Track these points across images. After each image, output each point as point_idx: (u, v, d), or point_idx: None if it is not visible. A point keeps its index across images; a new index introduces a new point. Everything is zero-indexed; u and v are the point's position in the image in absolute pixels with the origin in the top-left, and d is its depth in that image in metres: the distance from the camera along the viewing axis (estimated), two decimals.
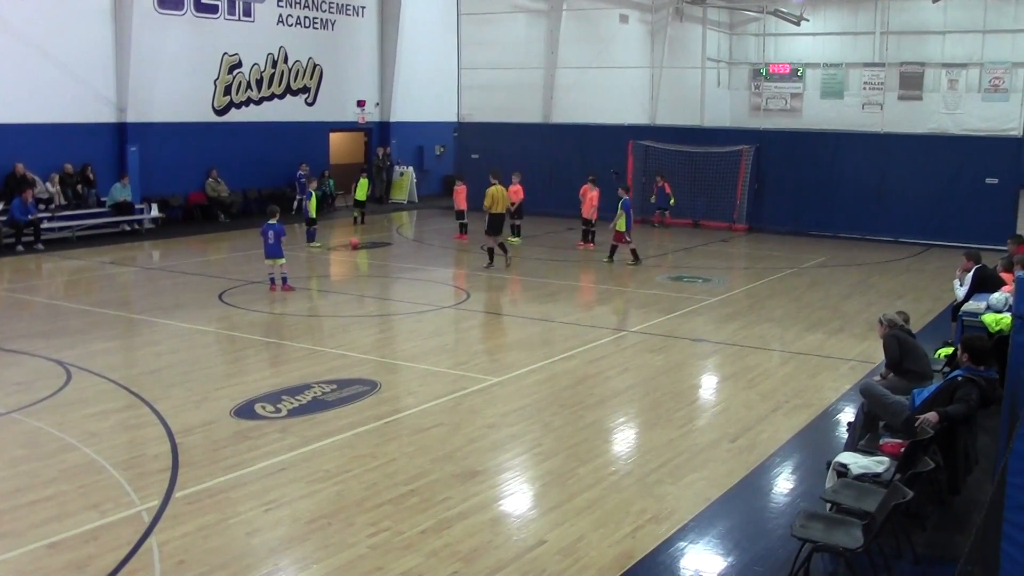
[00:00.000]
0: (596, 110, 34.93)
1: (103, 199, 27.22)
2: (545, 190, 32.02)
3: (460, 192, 27.58)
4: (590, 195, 26.12)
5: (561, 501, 9.42)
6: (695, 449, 10.97)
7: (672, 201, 30.37)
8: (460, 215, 27.61)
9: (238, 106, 31.57)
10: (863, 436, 9.92)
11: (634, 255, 23.42)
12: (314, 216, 25.68)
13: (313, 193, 25.69)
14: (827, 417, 12.33)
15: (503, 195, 23.70)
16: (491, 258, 22.93)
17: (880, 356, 14.34)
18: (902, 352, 10.98)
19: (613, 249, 23.64)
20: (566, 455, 10.68)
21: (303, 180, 30.66)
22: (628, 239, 23.34)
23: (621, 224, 23.21)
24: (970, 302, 13.79)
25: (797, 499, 9.61)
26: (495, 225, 23.15)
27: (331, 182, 34.12)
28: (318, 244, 25.51)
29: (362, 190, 30.22)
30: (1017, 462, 6.06)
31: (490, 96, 35.34)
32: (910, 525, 8.65)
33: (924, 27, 39.71)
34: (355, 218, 30.44)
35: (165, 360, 14.39)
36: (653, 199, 30.68)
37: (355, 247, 25.64)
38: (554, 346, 15.79)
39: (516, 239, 26.98)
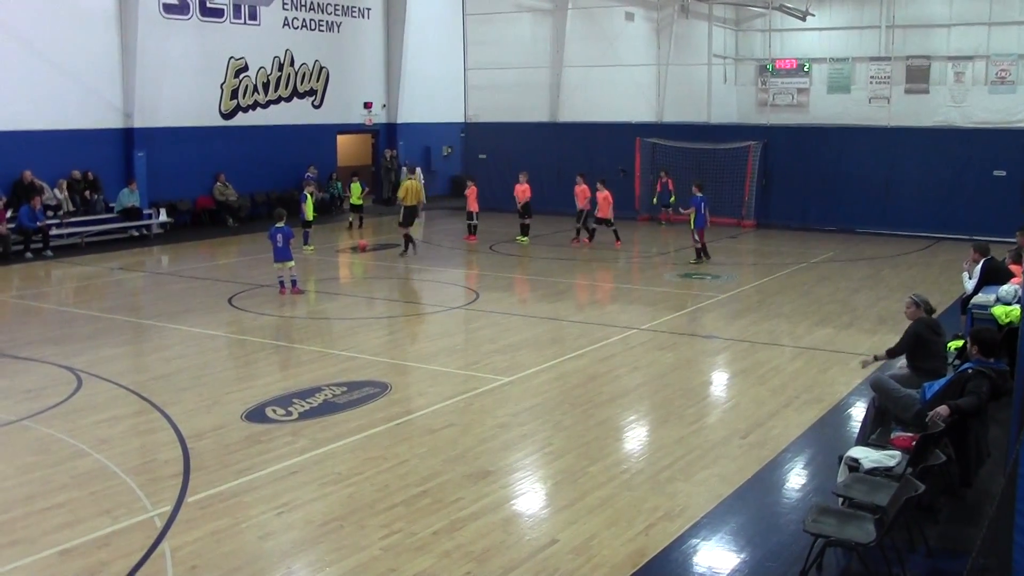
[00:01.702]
0: (603, 108, 34.95)
1: (111, 205, 27.29)
2: (553, 189, 32.01)
3: (471, 193, 27.48)
4: (602, 194, 26.07)
5: (573, 500, 9.41)
6: (706, 446, 10.96)
7: (673, 199, 30.36)
8: (470, 216, 27.55)
9: (245, 110, 31.61)
10: (874, 430, 9.91)
11: (698, 253, 23.43)
12: (310, 219, 25.65)
13: (309, 196, 25.64)
14: (838, 412, 12.31)
15: (416, 188, 25.45)
16: (406, 246, 24.83)
17: None
18: (913, 349, 10.95)
19: (702, 249, 23.48)
20: (577, 454, 10.68)
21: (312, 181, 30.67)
22: (696, 237, 23.28)
23: (692, 221, 23.15)
24: (979, 295, 13.76)
25: (809, 494, 9.59)
26: (408, 216, 25.14)
27: (339, 184, 34.14)
28: (311, 247, 25.45)
29: (356, 194, 29.90)
30: None
31: (497, 96, 35.36)
32: (922, 518, 8.63)
33: (930, 20, 39.59)
34: (350, 223, 30.00)
35: (175, 365, 14.42)
36: (655, 200, 30.69)
37: (364, 249, 25.64)
38: (564, 345, 15.78)
39: (524, 238, 26.99)
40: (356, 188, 29.92)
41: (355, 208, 30.19)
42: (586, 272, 22.95)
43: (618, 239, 26.17)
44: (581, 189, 26.76)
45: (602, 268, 23.56)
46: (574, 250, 25.70)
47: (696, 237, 23.30)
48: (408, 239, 24.81)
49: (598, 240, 26.43)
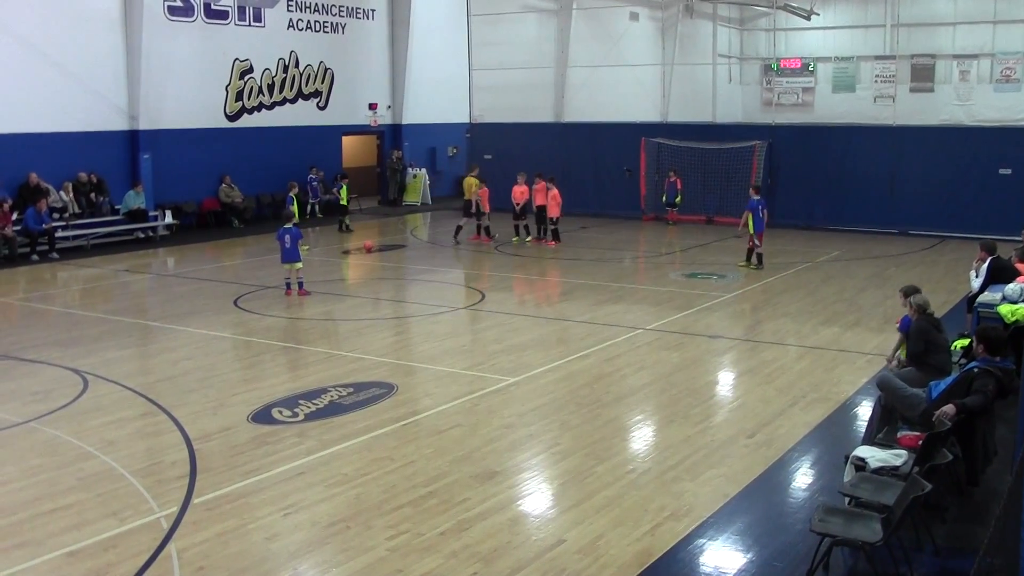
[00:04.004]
0: (608, 108, 34.92)
1: (117, 207, 27.33)
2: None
3: (483, 194, 27.23)
4: (552, 193, 26.12)
5: (580, 500, 9.41)
6: (713, 445, 10.96)
7: (679, 198, 30.28)
8: (480, 216, 27.34)
9: (250, 111, 31.63)
10: (881, 429, 9.89)
11: (752, 257, 22.77)
12: (297, 220, 25.62)
13: (294, 198, 25.72)
14: (844, 411, 12.30)
15: (466, 185, 26.87)
16: (479, 231, 27.08)
17: None
18: (927, 347, 10.94)
19: (759, 256, 22.70)
20: (584, 454, 10.68)
21: (315, 184, 30.62)
22: (756, 242, 22.49)
23: (751, 225, 22.37)
24: (985, 293, 13.75)
25: (816, 494, 9.59)
26: (466, 209, 27.36)
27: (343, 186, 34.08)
28: (305, 246, 25.54)
29: (343, 196, 29.53)
30: None
31: (502, 96, 35.36)
32: (929, 517, 8.62)
33: (934, 18, 39.48)
34: (340, 223, 29.58)
35: (181, 367, 14.43)
36: (664, 199, 30.65)
37: (369, 250, 25.66)
38: (570, 345, 15.78)
39: (518, 238, 26.94)
40: (344, 190, 29.61)
41: (341, 209, 29.77)
42: (591, 272, 22.91)
43: (541, 240, 26.66)
44: (532, 188, 26.79)
45: (607, 268, 23.52)
46: (577, 251, 25.67)
47: (757, 242, 22.45)
48: (479, 229, 27.18)
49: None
